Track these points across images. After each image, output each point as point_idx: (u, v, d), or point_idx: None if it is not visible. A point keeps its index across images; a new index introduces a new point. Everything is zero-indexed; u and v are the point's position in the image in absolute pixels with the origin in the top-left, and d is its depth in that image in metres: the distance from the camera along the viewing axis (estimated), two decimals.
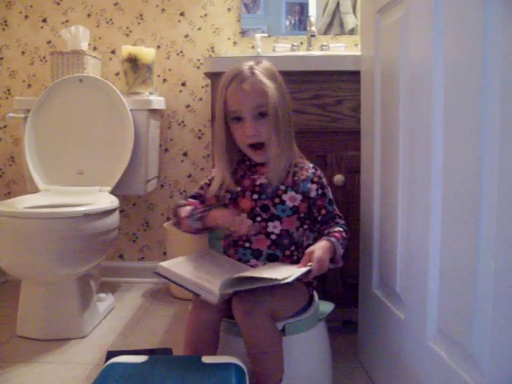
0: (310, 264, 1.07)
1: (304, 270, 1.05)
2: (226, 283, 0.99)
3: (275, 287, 1.03)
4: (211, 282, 1.02)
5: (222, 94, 1.17)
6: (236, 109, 1.16)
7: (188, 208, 1.22)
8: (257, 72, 1.14)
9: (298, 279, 1.03)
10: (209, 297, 1.00)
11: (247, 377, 0.97)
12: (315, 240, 1.17)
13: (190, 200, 1.27)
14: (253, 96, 1.13)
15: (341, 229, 1.18)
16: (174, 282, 1.07)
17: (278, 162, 1.16)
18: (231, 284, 1.01)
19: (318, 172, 1.23)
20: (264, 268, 1.13)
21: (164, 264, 1.09)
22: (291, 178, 1.19)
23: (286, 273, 1.03)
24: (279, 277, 1.00)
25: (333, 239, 1.13)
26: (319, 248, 1.09)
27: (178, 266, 1.10)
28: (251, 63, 1.17)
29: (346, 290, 1.62)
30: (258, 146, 1.18)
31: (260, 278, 1.00)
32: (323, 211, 1.21)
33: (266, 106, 1.13)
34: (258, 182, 1.20)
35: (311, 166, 1.24)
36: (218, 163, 1.22)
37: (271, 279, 0.99)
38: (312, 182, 1.20)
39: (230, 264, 1.18)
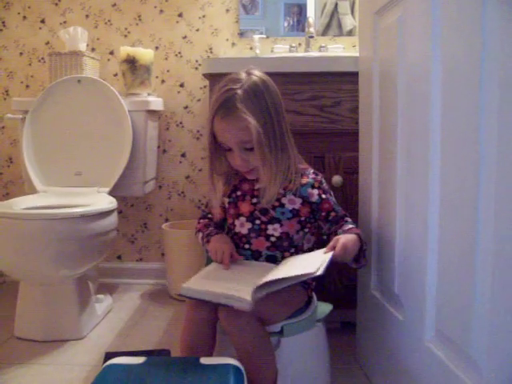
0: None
1: (329, 256, 1.04)
2: (257, 289, 0.98)
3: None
4: (240, 290, 1.00)
5: (210, 123, 1.16)
6: (223, 141, 1.16)
7: (199, 235, 1.30)
8: (239, 105, 1.10)
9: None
10: (241, 305, 0.98)
11: (245, 378, 0.96)
12: (320, 243, 1.16)
13: (202, 221, 1.32)
14: (235, 134, 1.12)
15: (353, 226, 1.18)
16: (202, 300, 1.04)
17: (269, 184, 1.16)
18: (262, 288, 1.00)
19: (319, 177, 1.23)
20: (287, 265, 1.11)
21: (187, 285, 1.06)
22: (287, 183, 1.19)
23: (315, 264, 1.01)
24: (311, 270, 0.99)
25: (359, 232, 1.13)
26: (345, 236, 1.09)
27: (201, 282, 1.08)
28: (236, 85, 1.12)
29: (344, 291, 1.62)
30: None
31: (292, 277, 0.99)
32: (333, 214, 1.20)
33: (250, 141, 1.12)
34: (256, 187, 1.21)
35: (312, 171, 1.23)
36: (209, 181, 1.24)
37: (304, 275, 0.99)
38: (313, 187, 1.20)
39: (250, 265, 1.16)
